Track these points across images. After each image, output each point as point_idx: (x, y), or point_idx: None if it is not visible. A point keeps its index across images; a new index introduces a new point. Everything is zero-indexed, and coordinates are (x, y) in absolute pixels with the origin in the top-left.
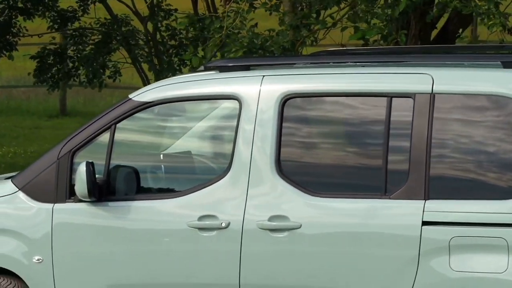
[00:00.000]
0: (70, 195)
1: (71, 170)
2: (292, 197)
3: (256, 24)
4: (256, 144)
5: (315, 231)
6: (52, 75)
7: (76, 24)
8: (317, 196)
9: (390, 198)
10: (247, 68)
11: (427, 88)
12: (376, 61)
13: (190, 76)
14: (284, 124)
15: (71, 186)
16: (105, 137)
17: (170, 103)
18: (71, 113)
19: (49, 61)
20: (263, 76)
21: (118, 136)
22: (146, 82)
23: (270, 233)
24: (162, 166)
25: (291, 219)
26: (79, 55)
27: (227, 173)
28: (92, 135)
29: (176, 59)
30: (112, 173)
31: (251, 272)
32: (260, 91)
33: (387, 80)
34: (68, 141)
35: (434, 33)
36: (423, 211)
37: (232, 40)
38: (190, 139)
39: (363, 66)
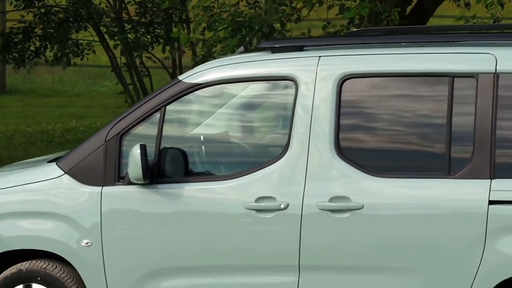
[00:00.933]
0: (119, 178)
1: (120, 153)
2: (353, 178)
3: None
4: (314, 125)
5: (378, 212)
6: (18, 53)
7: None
8: (379, 177)
9: (454, 178)
10: (300, 48)
11: (490, 68)
12: (435, 41)
13: (241, 57)
14: (342, 105)
15: (120, 169)
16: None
17: (222, 85)
18: (11, 91)
19: (15, 40)
20: (320, 56)
21: (168, 118)
22: (113, 60)
23: (331, 214)
24: (215, 148)
25: (353, 200)
26: (46, 34)
27: (284, 155)
28: (141, 118)
29: (149, 36)
30: (163, 156)
31: (311, 253)
32: (317, 72)
33: (449, 60)
34: (116, 123)
35: (409, 8)
36: (490, 190)
37: (220, 18)
38: (244, 121)
39: (422, 46)
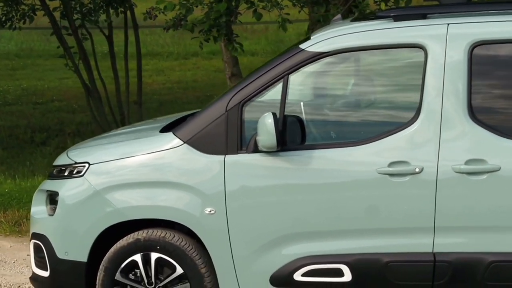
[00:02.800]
0: (241, 146)
1: (241, 122)
2: (488, 141)
3: None
4: (446, 91)
5: None
6: None
7: None
8: None
9: None
10: (423, 16)
11: None
12: None
13: (364, 26)
14: (473, 70)
15: (242, 138)
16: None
17: (347, 53)
18: None
19: None
20: (448, 24)
21: (291, 86)
22: (55, 25)
23: (467, 177)
24: (342, 115)
25: (489, 162)
26: None
27: (416, 120)
28: (263, 87)
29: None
30: (288, 123)
31: (447, 215)
32: (447, 39)
33: None
34: (236, 93)
35: None
36: None
37: None
38: (371, 88)
39: None
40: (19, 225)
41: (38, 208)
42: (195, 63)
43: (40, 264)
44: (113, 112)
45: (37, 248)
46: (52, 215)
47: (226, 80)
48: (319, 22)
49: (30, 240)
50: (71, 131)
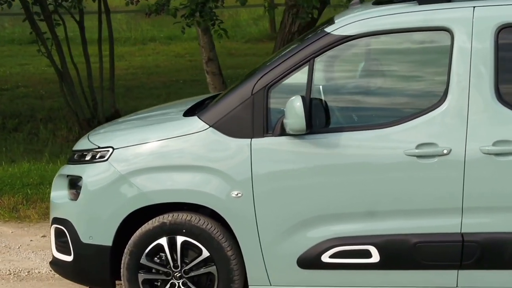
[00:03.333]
0: (267, 129)
1: (267, 105)
2: None
3: None
4: (473, 73)
5: None
6: None
7: None
8: None
9: None
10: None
11: None
12: None
13: (389, 9)
14: (500, 52)
15: (268, 121)
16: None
17: (373, 36)
18: None
19: None
20: (474, 7)
21: (317, 69)
22: (27, 10)
23: (495, 158)
24: (369, 97)
25: None
26: None
27: (443, 102)
28: (289, 70)
29: None
30: (315, 106)
31: (475, 195)
32: (473, 21)
33: None
34: (262, 77)
35: None
36: None
37: None
38: (397, 70)
39: None
40: (16, 211)
41: (59, 193)
42: (153, 48)
43: (62, 248)
44: (86, 97)
45: (58, 233)
46: (74, 199)
47: (188, 64)
48: (294, 6)
49: (51, 225)
50: (42, 117)
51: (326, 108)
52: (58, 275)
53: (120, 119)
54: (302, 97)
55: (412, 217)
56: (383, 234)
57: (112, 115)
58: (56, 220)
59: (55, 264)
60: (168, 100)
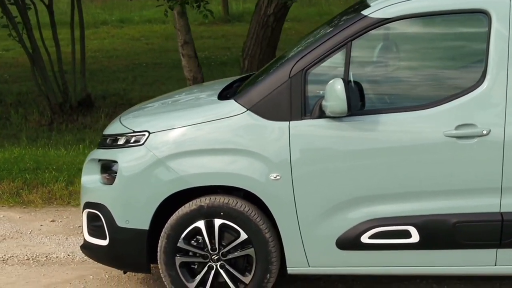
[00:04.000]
0: (305, 112)
1: (305, 88)
2: None
3: None
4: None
5: None
6: None
7: None
8: None
9: None
10: None
11: None
12: None
13: None
14: None
15: (305, 103)
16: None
17: (410, 19)
18: None
19: None
20: None
21: (355, 52)
22: None
23: None
24: (407, 79)
25: None
26: None
27: (482, 83)
28: (326, 53)
29: None
30: (353, 89)
31: None
32: (510, 3)
33: None
34: (299, 60)
35: None
36: None
37: None
38: (436, 52)
39: None
40: (19, 196)
41: (91, 177)
42: (107, 31)
43: (96, 233)
44: (57, 80)
45: (91, 217)
46: (107, 184)
47: (146, 47)
48: None
49: (83, 210)
50: (12, 101)
51: (364, 90)
52: (89, 258)
53: (146, 103)
54: (343, 80)
55: (452, 197)
56: (423, 215)
57: (84, 99)
58: (89, 205)
59: (88, 248)
60: (135, 83)
